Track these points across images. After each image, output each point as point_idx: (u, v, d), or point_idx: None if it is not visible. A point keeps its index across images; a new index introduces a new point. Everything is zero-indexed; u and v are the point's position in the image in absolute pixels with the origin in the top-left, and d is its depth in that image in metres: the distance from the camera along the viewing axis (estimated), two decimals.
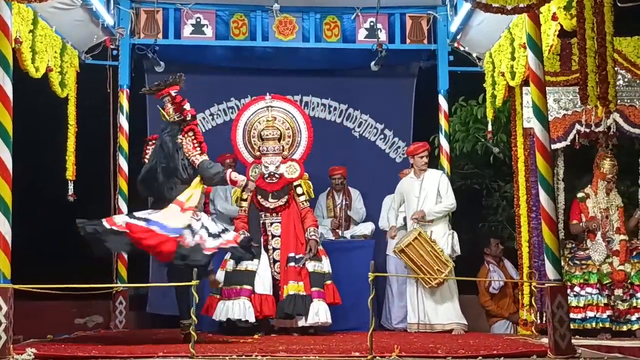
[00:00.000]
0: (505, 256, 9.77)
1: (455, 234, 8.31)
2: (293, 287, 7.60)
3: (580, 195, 8.13)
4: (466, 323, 8.22)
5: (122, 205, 8.79)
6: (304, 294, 7.61)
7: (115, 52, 9.09)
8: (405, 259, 8.03)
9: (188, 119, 6.83)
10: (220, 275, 7.76)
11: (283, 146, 8.10)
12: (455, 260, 8.27)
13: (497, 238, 9.87)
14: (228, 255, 7.82)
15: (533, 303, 7.71)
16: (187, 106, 6.84)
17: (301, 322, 7.63)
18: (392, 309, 8.87)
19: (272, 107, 8.28)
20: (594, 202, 8.04)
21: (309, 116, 8.62)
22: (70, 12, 7.86)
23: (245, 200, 7.99)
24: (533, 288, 7.54)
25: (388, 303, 8.93)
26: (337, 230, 9.10)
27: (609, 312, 7.65)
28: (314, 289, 7.66)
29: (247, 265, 7.66)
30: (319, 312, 7.61)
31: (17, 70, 6.25)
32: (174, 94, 6.86)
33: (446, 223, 8.35)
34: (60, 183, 8.53)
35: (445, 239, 8.17)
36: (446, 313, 8.12)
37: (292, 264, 7.70)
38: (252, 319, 7.51)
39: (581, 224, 8.02)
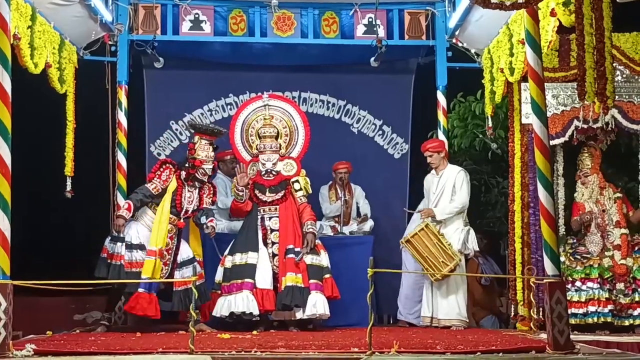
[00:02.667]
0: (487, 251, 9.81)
1: (472, 231, 8.23)
2: (291, 279, 7.60)
3: (575, 194, 8.18)
4: (467, 320, 8.22)
5: (121, 201, 8.79)
6: (302, 285, 7.60)
7: (113, 48, 9.09)
8: (411, 249, 8.03)
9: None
10: (219, 272, 7.80)
11: (280, 144, 8.13)
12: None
13: (479, 233, 9.89)
14: (227, 252, 7.85)
15: (531, 299, 7.72)
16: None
17: (299, 314, 7.62)
18: (407, 303, 8.87)
19: (269, 105, 8.30)
20: (584, 199, 8.08)
21: (306, 114, 8.63)
22: (68, 8, 7.85)
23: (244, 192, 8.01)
24: (532, 283, 7.55)
25: (403, 297, 8.93)
26: (336, 226, 9.10)
27: (610, 307, 7.65)
28: (312, 281, 7.66)
29: (246, 259, 7.69)
30: (317, 304, 7.59)
31: (15, 66, 6.24)
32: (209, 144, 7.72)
33: (461, 219, 8.25)
34: (59, 179, 8.52)
35: (457, 235, 8.12)
36: (449, 308, 8.11)
37: (291, 255, 7.70)
38: (256, 312, 7.51)
39: (577, 218, 8.04)
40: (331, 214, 9.18)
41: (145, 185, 7.66)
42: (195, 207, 7.67)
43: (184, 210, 7.61)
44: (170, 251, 7.54)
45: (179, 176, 7.65)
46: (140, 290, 7.28)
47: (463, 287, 8.22)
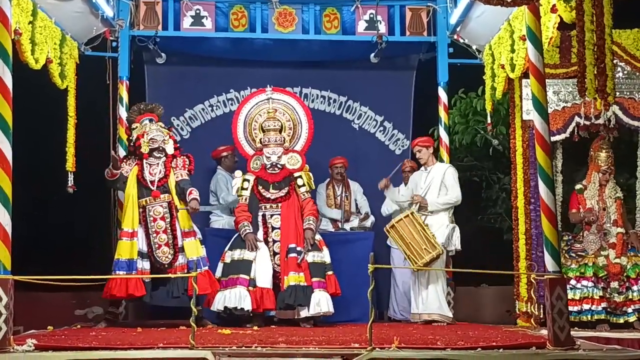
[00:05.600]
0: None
1: (457, 229, 8.22)
2: (294, 278, 7.60)
3: (578, 187, 8.15)
4: (450, 316, 8.15)
5: (122, 196, 8.78)
6: (305, 284, 7.61)
7: (114, 44, 9.10)
8: (395, 235, 8.01)
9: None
10: (219, 268, 7.81)
11: (284, 138, 8.12)
12: (454, 255, 8.30)
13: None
14: (227, 247, 7.85)
15: (532, 295, 7.72)
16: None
17: (303, 313, 7.63)
18: (397, 300, 8.90)
19: (272, 99, 8.30)
20: (591, 194, 8.06)
21: (309, 108, 8.64)
22: (69, 4, 7.86)
23: (246, 189, 7.99)
24: (532, 280, 7.56)
25: (394, 294, 8.96)
26: (337, 222, 9.11)
27: (604, 305, 7.67)
28: (314, 279, 7.66)
29: (243, 255, 7.70)
30: (320, 302, 7.60)
31: (16, 61, 6.24)
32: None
33: (447, 215, 8.27)
34: (60, 175, 8.53)
35: (442, 230, 8.12)
36: (429, 302, 8.09)
37: (293, 254, 7.71)
38: (247, 307, 7.51)
39: (580, 213, 8.04)
40: (328, 216, 9.17)
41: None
42: (163, 175, 7.61)
43: (149, 182, 7.59)
44: (167, 232, 7.53)
45: (138, 159, 7.69)
46: (120, 272, 7.32)
47: (443, 282, 8.19)
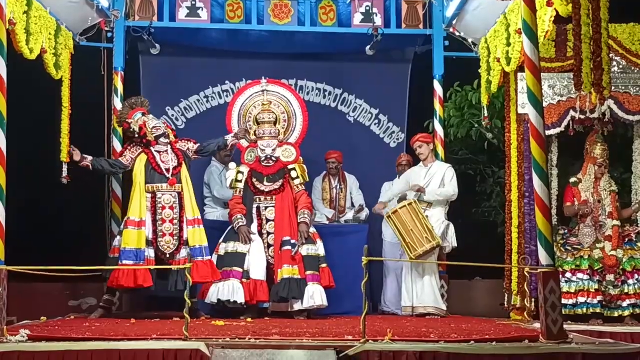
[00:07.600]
0: None
1: (452, 226, 8.26)
2: (287, 271, 7.60)
3: (572, 180, 8.15)
4: (444, 308, 8.20)
5: (116, 187, 8.82)
6: (299, 277, 7.61)
7: (109, 34, 9.07)
8: (395, 222, 8.01)
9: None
10: (213, 260, 7.80)
11: (279, 130, 8.11)
12: (450, 252, 8.33)
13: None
14: (221, 239, 7.85)
15: (525, 288, 7.74)
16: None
17: (297, 306, 7.63)
18: (387, 293, 8.92)
19: (267, 91, 8.28)
20: (586, 186, 8.07)
21: (303, 100, 8.63)
22: None
23: (240, 181, 7.98)
24: (526, 273, 7.57)
25: (385, 287, 8.98)
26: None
27: (599, 298, 7.69)
28: (308, 272, 7.66)
29: (237, 247, 7.70)
30: (314, 295, 7.61)
31: (11, 51, 6.22)
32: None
33: (443, 211, 8.32)
34: (54, 165, 8.50)
35: (438, 226, 8.15)
36: (424, 295, 8.12)
37: (287, 247, 7.70)
38: (240, 300, 7.52)
39: (574, 206, 8.05)
40: (321, 213, 9.17)
41: (118, 159, 7.87)
42: (176, 163, 7.67)
43: (164, 169, 7.62)
44: (173, 221, 7.53)
45: (144, 147, 7.71)
46: (127, 262, 7.28)
47: (436, 275, 8.23)
